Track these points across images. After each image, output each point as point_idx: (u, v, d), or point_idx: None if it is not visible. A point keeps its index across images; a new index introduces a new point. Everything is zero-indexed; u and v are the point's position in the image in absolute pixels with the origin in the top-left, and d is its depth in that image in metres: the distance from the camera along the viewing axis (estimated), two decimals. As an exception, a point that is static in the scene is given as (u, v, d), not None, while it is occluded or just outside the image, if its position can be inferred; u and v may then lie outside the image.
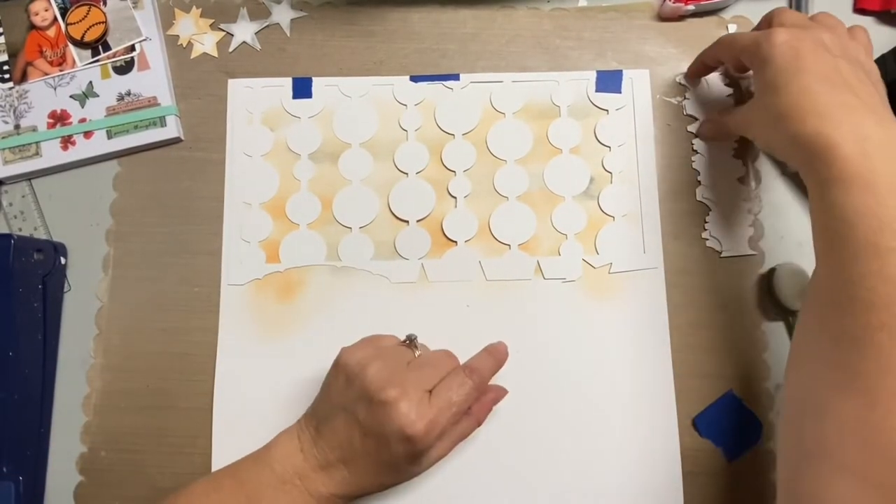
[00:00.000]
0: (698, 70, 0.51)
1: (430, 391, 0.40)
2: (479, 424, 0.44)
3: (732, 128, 0.48)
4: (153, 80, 0.53)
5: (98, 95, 0.53)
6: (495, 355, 0.44)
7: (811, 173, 0.37)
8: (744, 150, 0.51)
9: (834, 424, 0.32)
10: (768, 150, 0.46)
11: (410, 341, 0.44)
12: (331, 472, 0.39)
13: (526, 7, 0.54)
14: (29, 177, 0.53)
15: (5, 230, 0.51)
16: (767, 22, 0.45)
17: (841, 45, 0.41)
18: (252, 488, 0.39)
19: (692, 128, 0.52)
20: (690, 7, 0.52)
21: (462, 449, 0.44)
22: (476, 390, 0.41)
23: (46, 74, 0.53)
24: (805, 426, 0.34)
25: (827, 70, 0.38)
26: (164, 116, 0.52)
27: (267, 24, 0.54)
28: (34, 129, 0.52)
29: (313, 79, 0.53)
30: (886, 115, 0.37)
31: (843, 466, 0.30)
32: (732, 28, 0.53)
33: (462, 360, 0.44)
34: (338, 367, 0.41)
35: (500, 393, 0.45)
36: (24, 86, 0.53)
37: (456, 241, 0.50)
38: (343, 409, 0.40)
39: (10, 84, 0.53)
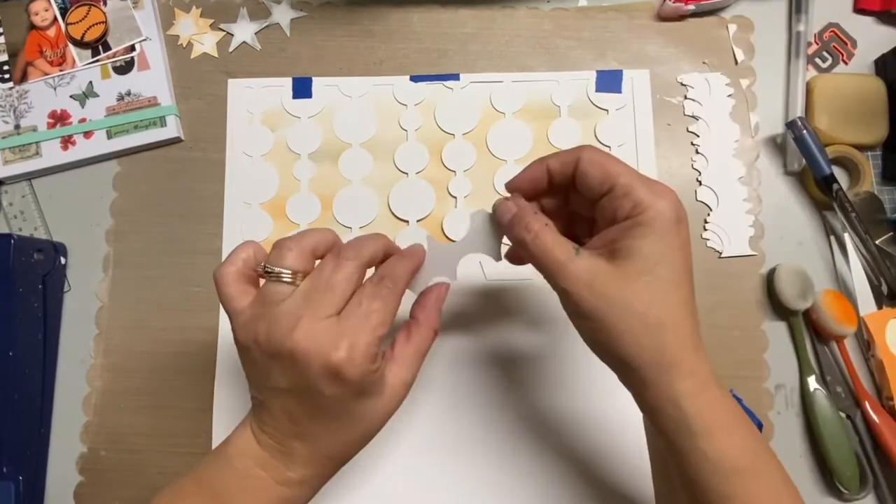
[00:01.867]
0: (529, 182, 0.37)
1: (339, 314, 0.34)
2: (435, 333, 0.38)
3: (571, 277, 0.33)
4: (153, 80, 0.53)
5: (98, 95, 0.53)
6: (407, 255, 0.38)
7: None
8: (744, 150, 0.51)
9: None
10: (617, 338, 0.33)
11: (269, 273, 0.35)
12: (290, 454, 0.36)
13: (526, 7, 0.54)
14: (29, 177, 0.53)
15: (5, 230, 0.51)
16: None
17: None
18: (217, 490, 0.36)
19: (693, 128, 0.52)
20: (690, 7, 0.52)
21: (460, 446, 0.44)
22: (394, 294, 0.35)
23: (46, 74, 0.53)
24: None
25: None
26: (164, 116, 0.52)
27: (267, 24, 0.54)
28: (34, 129, 0.52)
29: (313, 79, 0.53)
30: None
31: None
32: (733, 28, 0.53)
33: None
34: (240, 352, 0.36)
35: (442, 289, 0.38)
36: (25, 86, 0.53)
37: (456, 242, 0.50)
38: (266, 388, 0.35)
39: (11, 84, 0.53)
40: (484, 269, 0.50)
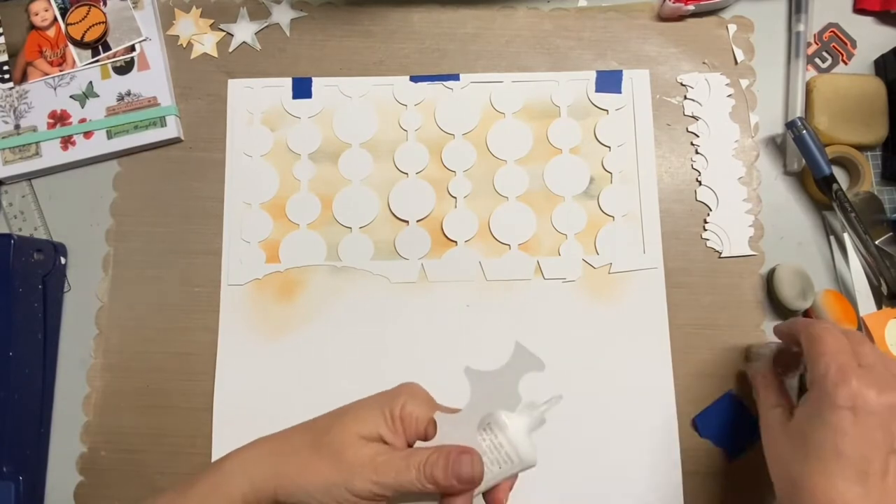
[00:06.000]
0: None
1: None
2: None
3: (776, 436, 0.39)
4: (153, 81, 0.53)
5: (98, 95, 0.53)
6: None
7: None
8: (744, 151, 0.51)
9: None
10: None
11: None
12: None
13: (526, 7, 0.54)
14: (29, 177, 0.53)
15: (5, 230, 0.51)
16: (810, 338, 0.38)
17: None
18: None
19: (693, 128, 0.52)
20: (690, 7, 0.52)
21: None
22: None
23: (46, 74, 0.53)
24: None
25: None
26: (164, 116, 0.52)
27: (267, 24, 0.54)
28: (34, 129, 0.52)
29: (313, 79, 0.53)
30: None
31: None
32: (733, 28, 0.53)
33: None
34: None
35: None
36: (25, 86, 0.53)
37: (456, 241, 0.50)
38: None
39: (11, 84, 0.53)
40: (484, 269, 0.50)
